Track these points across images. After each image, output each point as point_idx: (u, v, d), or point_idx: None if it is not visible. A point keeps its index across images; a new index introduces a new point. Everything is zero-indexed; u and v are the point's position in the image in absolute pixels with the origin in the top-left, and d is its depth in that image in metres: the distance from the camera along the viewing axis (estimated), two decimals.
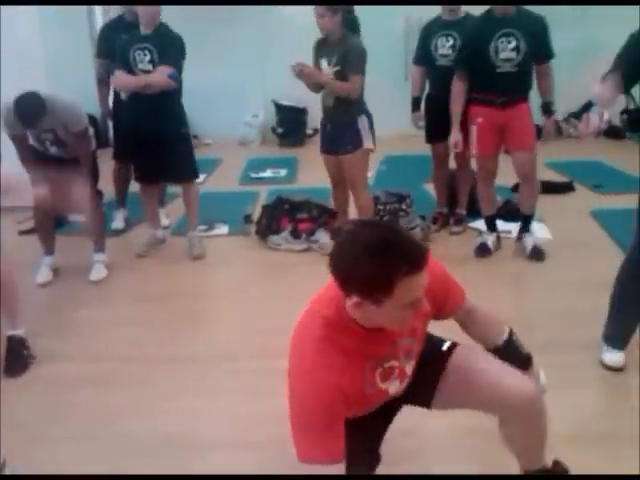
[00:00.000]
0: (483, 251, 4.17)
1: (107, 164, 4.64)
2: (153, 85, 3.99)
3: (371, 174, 4.83)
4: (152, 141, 4.07)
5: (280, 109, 7.66)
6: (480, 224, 4.43)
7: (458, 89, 3.97)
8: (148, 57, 4.03)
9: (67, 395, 2.92)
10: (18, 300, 3.17)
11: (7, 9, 4.78)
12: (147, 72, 4.03)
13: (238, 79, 7.36)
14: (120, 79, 4.11)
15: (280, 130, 7.67)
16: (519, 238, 4.23)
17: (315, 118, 6.72)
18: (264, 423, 2.59)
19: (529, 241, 4.14)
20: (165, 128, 4.12)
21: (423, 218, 4.49)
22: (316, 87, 3.98)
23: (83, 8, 6.80)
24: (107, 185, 4.57)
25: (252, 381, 2.91)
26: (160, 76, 3.98)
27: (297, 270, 4.12)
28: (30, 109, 3.51)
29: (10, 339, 3.14)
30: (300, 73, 3.81)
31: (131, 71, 4.05)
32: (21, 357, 3.13)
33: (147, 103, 4.03)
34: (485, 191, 4.20)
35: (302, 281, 4.02)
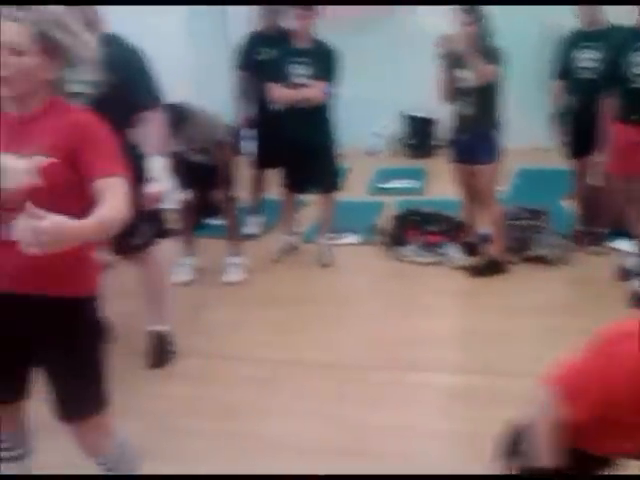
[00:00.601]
0: (626, 274, 3.95)
1: (241, 172, 4.82)
2: (309, 99, 4.12)
3: (502, 187, 4.72)
4: (303, 152, 4.21)
5: (409, 120, 7.64)
6: (622, 244, 4.21)
7: (609, 106, 3.81)
8: (304, 71, 4.14)
9: (202, 391, 3.07)
10: (166, 298, 3.38)
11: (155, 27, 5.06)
12: (302, 85, 4.15)
13: (368, 89, 7.39)
14: (276, 91, 4.22)
15: (409, 141, 7.64)
16: None
17: (444, 130, 6.67)
18: (390, 435, 2.59)
19: None
20: (317, 140, 4.26)
21: (562, 236, 4.33)
22: (452, 96, 3.97)
23: (220, 22, 7.07)
24: (241, 192, 4.75)
25: (379, 392, 2.93)
26: (317, 91, 4.11)
27: (424, 283, 4.10)
28: (172, 119, 3.73)
29: (156, 334, 3.34)
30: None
31: (285, 84, 4.17)
32: (165, 351, 3.34)
33: (301, 116, 4.15)
34: (634, 211, 3.97)
35: (429, 295, 4.05)
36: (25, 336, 1.83)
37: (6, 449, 1.97)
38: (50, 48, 1.71)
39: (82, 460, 1.99)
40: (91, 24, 3.08)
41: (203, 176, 4.11)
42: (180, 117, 3.79)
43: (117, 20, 3.15)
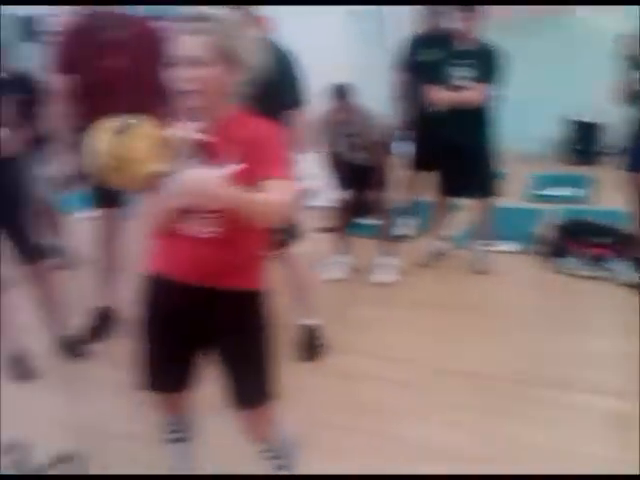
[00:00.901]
0: None
1: (395, 173, 4.81)
2: (470, 102, 4.04)
3: None
4: (460, 155, 4.12)
5: (573, 124, 7.26)
6: None
7: None
8: (466, 73, 4.05)
9: (349, 387, 3.10)
10: (312, 292, 3.46)
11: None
12: (462, 88, 4.06)
13: (531, 92, 7.12)
14: (435, 93, 4.16)
15: (572, 146, 7.26)
16: None
17: (611, 135, 6.27)
18: (540, 454, 2.48)
19: None
20: (476, 143, 4.15)
21: None
22: (631, 100, 3.71)
23: (378, 23, 7.08)
24: (395, 193, 4.74)
25: (533, 409, 2.81)
26: (477, 94, 4.01)
27: (587, 298, 3.87)
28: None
29: (306, 328, 3.42)
30: None
31: (445, 86, 4.11)
32: (315, 345, 3.41)
33: (460, 118, 4.06)
34: None
35: (591, 311, 3.82)
36: (197, 327, 1.92)
37: (172, 431, 2.10)
38: (229, 58, 1.74)
39: (246, 444, 2.07)
40: (255, 25, 3.24)
41: (360, 176, 4.15)
42: (344, 95, 3.97)
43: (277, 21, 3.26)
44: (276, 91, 2.95)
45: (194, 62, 1.70)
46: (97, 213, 3.55)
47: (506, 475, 2.37)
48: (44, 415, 2.98)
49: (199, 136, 1.67)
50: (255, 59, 1.80)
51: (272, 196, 1.71)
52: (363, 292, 4.17)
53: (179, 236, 1.82)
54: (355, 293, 4.17)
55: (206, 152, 1.75)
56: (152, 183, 1.70)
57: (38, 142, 3.81)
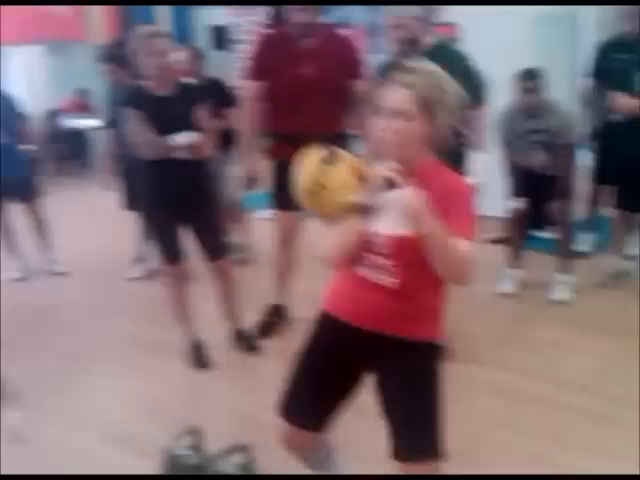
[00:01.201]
0: None
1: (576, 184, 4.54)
2: None
3: None
4: None
5: None
6: None
7: None
8: None
9: (512, 407, 2.98)
10: None
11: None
12: None
13: None
14: (620, 100, 3.91)
15: None
16: None
17: None
18: None
19: None
20: None
21: None
22: None
23: (568, 27, 6.72)
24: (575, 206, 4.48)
25: None
26: None
27: None
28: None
29: None
30: None
31: (630, 92, 3.85)
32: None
33: None
34: None
35: None
36: (360, 372, 1.95)
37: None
38: (433, 112, 1.75)
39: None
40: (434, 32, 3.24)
41: (540, 184, 3.94)
42: (534, 78, 3.85)
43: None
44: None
45: (398, 114, 1.73)
46: (276, 214, 3.70)
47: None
48: (215, 404, 3.18)
49: (398, 179, 1.68)
50: (456, 113, 1.81)
51: (461, 247, 1.70)
52: (534, 310, 3.98)
53: (358, 279, 1.86)
54: (526, 310, 4.00)
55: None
56: (346, 214, 1.76)
57: (226, 144, 4.06)
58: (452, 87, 1.80)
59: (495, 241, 4.56)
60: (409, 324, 1.88)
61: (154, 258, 4.65)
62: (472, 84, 3.11)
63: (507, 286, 4.18)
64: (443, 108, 1.76)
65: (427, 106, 1.73)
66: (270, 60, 3.39)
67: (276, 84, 3.39)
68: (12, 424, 2.83)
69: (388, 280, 1.82)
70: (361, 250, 1.83)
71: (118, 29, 9.76)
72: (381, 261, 1.81)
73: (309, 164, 1.81)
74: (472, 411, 2.96)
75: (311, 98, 3.29)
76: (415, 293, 1.84)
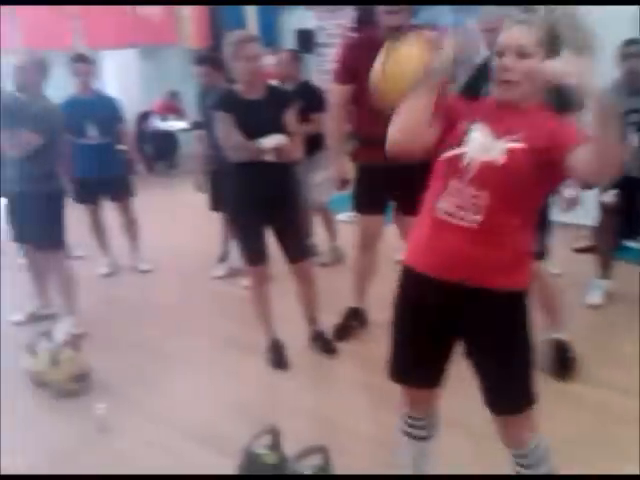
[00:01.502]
0: None
1: None
2: None
3: None
4: None
5: None
6: None
7: None
8: None
9: (602, 425, 2.87)
10: (560, 305, 3.31)
11: None
12: None
13: None
14: None
15: None
16: None
17: None
18: None
19: None
20: None
21: None
22: None
23: None
24: None
25: None
26: None
27: None
28: None
29: (556, 342, 3.28)
30: None
31: None
32: (567, 361, 3.25)
33: None
34: None
35: None
36: (452, 325, 1.89)
37: (414, 427, 2.10)
38: (554, 51, 1.73)
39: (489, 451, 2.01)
40: None
41: (633, 188, 3.75)
42: None
43: None
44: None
45: (518, 52, 1.73)
46: (358, 217, 3.69)
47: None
48: (292, 405, 3.20)
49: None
50: (581, 53, 1.80)
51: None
52: (624, 323, 3.80)
53: (437, 223, 1.81)
54: (617, 323, 3.83)
55: (493, 123, 1.78)
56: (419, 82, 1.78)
57: (315, 148, 4.08)
58: (578, 25, 1.78)
59: (584, 250, 4.40)
60: (494, 272, 1.79)
61: (237, 258, 4.75)
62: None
63: (596, 297, 4.01)
64: (568, 49, 1.74)
65: (550, 46, 1.72)
66: (357, 63, 3.37)
67: (362, 88, 3.38)
68: (98, 415, 2.94)
69: (471, 218, 1.74)
70: (446, 176, 1.79)
71: (208, 33, 10.01)
72: (466, 192, 1.75)
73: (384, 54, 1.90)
74: (559, 423, 2.85)
75: None
76: (502, 234, 1.76)
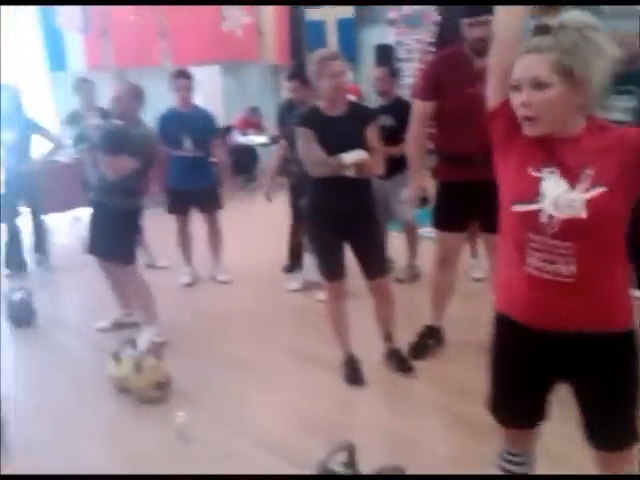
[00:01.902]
0: None
1: None
2: None
3: None
4: None
5: None
6: None
7: None
8: None
9: None
10: None
11: None
12: None
13: None
14: None
15: None
16: None
17: None
18: None
19: None
20: None
21: None
22: None
23: None
24: None
25: None
26: None
27: None
28: None
29: None
30: None
31: None
32: None
33: None
34: None
35: None
36: (555, 369, 1.84)
37: (511, 462, 2.04)
38: (574, 77, 1.59)
39: None
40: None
41: None
42: None
43: None
44: None
45: (533, 83, 1.61)
46: (438, 234, 3.66)
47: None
48: (366, 421, 3.18)
49: None
50: (607, 71, 1.61)
51: None
52: None
53: (524, 276, 1.73)
54: None
55: (559, 165, 1.67)
56: None
57: (401, 165, 4.06)
58: (600, 41, 1.59)
59: None
60: (594, 317, 1.71)
61: (313, 271, 4.78)
62: None
63: None
64: (589, 67, 1.58)
65: (568, 72, 1.57)
66: (441, 79, 3.35)
67: (446, 104, 3.35)
68: (178, 423, 3.01)
69: (564, 270, 1.65)
70: (523, 229, 1.69)
71: (289, 50, 10.19)
72: (551, 244, 1.65)
73: None
74: None
75: (481, 118, 3.20)
76: (597, 277, 1.67)
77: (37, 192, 5.70)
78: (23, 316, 4.57)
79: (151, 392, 3.36)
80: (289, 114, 5.02)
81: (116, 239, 3.95)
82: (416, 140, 3.53)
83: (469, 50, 3.30)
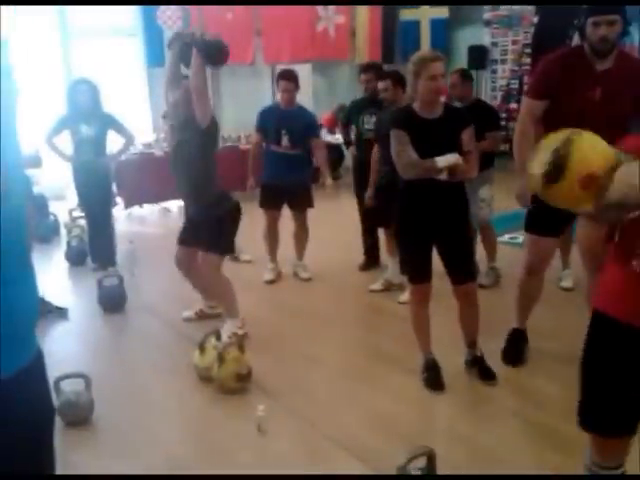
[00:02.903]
0: None
1: None
2: None
3: None
4: None
5: None
6: None
7: None
8: None
9: None
10: None
11: None
12: None
13: None
14: None
15: None
16: None
17: None
18: None
19: None
20: None
21: None
22: None
23: None
24: None
25: None
26: None
27: None
28: None
29: None
30: None
31: None
32: None
33: None
34: None
35: None
36: None
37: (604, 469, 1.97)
38: None
39: None
40: None
41: None
42: None
43: None
44: None
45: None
46: (531, 237, 3.54)
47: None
48: (444, 427, 3.13)
49: None
50: None
51: None
52: None
53: (635, 275, 1.72)
54: None
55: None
56: (591, 195, 1.63)
57: (482, 164, 3.97)
58: None
59: None
60: None
61: (395, 273, 4.74)
62: None
63: None
64: None
65: None
66: (557, 79, 3.23)
67: (559, 106, 3.22)
68: (258, 415, 3.05)
69: None
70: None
71: (380, 50, 10.17)
72: None
73: (545, 147, 1.73)
74: None
75: (594, 124, 3.03)
76: None
77: (109, 187, 5.81)
78: (114, 302, 4.76)
79: (232, 383, 3.42)
80: (358, 114, 5.08)
81: (219, 232, 3.98)
82: (524, 137, 3.36)
83: (590, 51, 3.17)
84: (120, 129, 5.62)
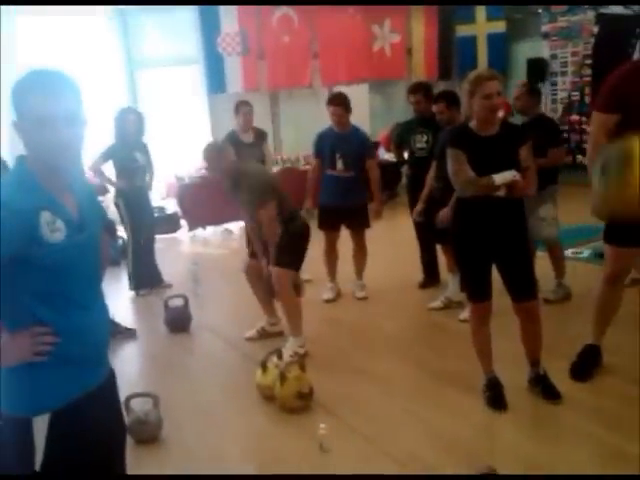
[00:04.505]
0: None
1: None
2: None
3: None
4: None
5: None
6: None
7: None
8: None
9: None
10: None
11: None
12: None
13: None
14: None
15: None
16: None
17: None
18: None
19: None
20: None
21: None
22: None
23: None
24: None
25: None
26: None
27: None
28: None
29: None
30: None
31: None
32: None
33: None
34: None
35: None
36: None
37: None
38: None
39: None
40: None
41: None
42: None
43: None
44: None
45: None
46: (611, 249, 3.45)
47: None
48: (506, 448, 3.09)
49: None
50: None
51: None
52: None
53: None
54: None
55: None
56: None
57: (544, 181, 3.92)
58: None
59: None
60: None
61: (456, 291, 4.72)
62: None
63: None
64: None
65: None
66: (627, 93, 3.18)
67: (629, 120, 3.17)
68: (320, 434, 3.08)
69: None
70: None
71: (437, 68, 10.18)
72: None
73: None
74: None
75: None
76: None
77: (149, 213, 6.04)
78: (180, 323, 4.90)
79: (294, 402, 3.47)
80: (409, 134, 5.09)
81: (290, 248, 4.19)
82: (594, 150, 3.33)
83: None
84: (149, 160, 5.89)
